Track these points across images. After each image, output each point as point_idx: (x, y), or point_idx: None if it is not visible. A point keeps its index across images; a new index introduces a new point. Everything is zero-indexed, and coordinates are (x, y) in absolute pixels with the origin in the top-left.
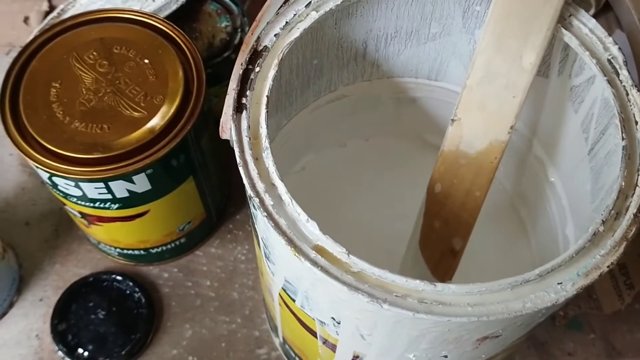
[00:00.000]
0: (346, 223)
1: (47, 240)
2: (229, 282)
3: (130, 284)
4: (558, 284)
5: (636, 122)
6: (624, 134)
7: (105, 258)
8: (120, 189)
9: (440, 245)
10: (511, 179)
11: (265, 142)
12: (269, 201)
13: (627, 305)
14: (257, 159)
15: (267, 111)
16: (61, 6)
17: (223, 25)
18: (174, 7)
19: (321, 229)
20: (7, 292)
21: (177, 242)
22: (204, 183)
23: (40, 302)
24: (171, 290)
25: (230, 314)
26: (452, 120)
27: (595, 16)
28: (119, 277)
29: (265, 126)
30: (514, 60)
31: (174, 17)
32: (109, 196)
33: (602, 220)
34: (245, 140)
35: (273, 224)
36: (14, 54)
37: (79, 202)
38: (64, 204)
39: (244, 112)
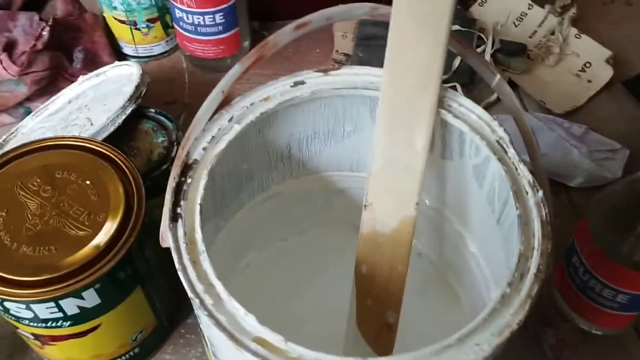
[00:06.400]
0: (292, 312)
1: None
2: None
3: None
4: (476, 345)
5: (526, 192)
6: (517, 204)
7: None
8: (70, 306)
9: (376, 322)
10: (437, 252)
11: (201, 246)
12: (208, 300)
13: None
14: (195, 262)
15: (201, 218)
16: (3, 137)
17: (159, 140)
18: (111, 129)
19: (264, 321)
20: None
21: (132, 353)
22: (152, 291)
23: None
24: None
25: None
26: (365, 205)
27: (498, 100)
28: None
29: (200, 232)
30: (407, 146)
31: (113, 138)
32: (60, 314)
33: (508, 283)
34: (183, 246)
35: (214, 322)
36: None
37: (31, 324)
38: (17, 328)
39: (179, 220)
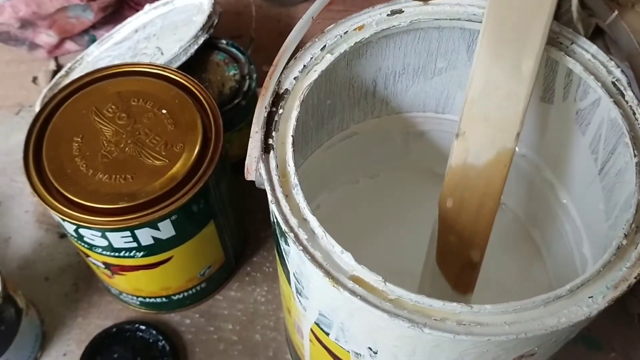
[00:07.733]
0: (363, 255)
1: (68, 294)
2: (250, 324)
3: (154, 332)
4: (589, 297)
5: None
6: (635, 151)
7: (126, 308)
8: (145, 236)
9: (458, 259)
10: (521, 204)
11: (294, 179)
12: (302, 235)
13: None
14: (288, 196)
15: (293, 150)
16: (68, 64)
17: (231, 73)
18: (183, 58)
19: None
20: (31, 349)
21: (198, 287)
22: (223, 227)
23: (64, 356)
24: (194, 337)
25: (254, 356)
26: (457, 135)
27: None
28: (142, 327)
29: (292, 164)
30: (512, 68)
31: (184, 69)
32: (135, 244)
33: (625, 234)
34: (275, 178)
35: (309, 257)
36: (23, 113)
37: (104, 252)
38: (88, 256)
39: (272, 152)
